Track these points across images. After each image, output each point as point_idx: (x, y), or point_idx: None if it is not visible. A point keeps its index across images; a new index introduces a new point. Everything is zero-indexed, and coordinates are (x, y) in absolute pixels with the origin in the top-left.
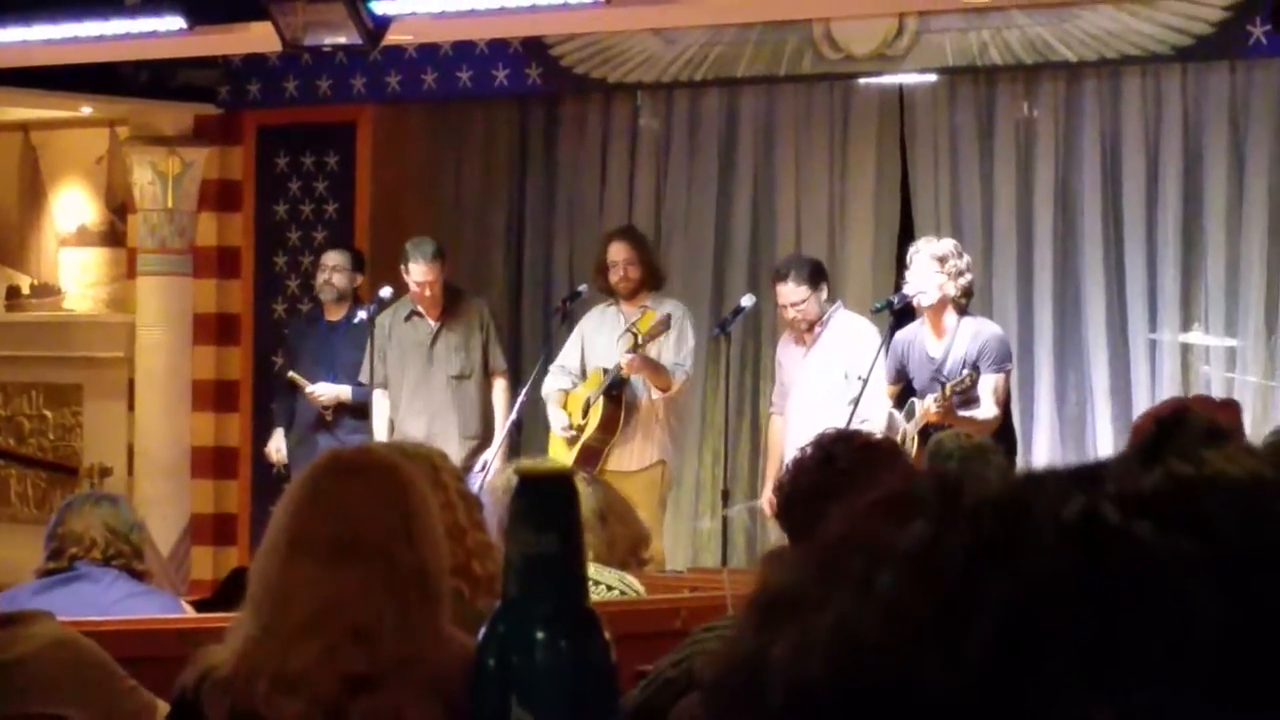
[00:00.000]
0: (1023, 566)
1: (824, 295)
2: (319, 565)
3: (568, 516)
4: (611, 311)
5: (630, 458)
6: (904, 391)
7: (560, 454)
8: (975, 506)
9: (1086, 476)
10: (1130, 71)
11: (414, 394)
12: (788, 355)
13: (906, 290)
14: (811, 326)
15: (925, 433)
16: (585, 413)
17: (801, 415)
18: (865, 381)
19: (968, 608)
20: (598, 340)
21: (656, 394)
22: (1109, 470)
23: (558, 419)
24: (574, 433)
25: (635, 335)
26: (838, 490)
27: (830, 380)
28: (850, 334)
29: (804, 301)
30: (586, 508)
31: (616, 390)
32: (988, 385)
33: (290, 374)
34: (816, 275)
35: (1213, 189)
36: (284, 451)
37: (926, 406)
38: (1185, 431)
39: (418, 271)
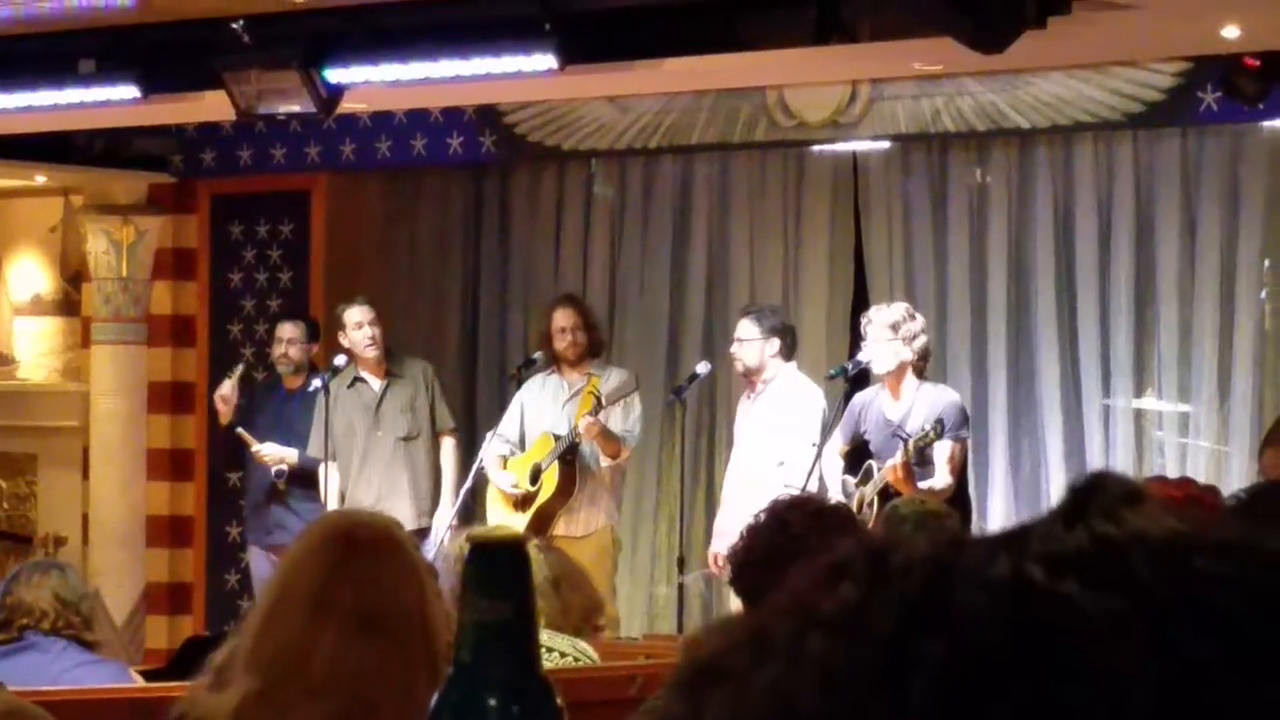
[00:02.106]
0: (953, 628)
1: (772, 351)
2: (343, 632)
3: (520, 583)
4: (553, 380)
5: (577, 524)
6: (858, 454)
7: (499, 515)
8: (902, 568)
9: (1011, 539)
10: (1082, 138)
11: (364, 459)
12: (740, 409)
13: (861, 358)
14: (749, 374)
15: (885, 495)
16: (534, 479)
17: (735, 468)
18: (819, 449)
19: (901, 669)
20: (540, 408)
21: (605, 461)
22: (1033, 532)
23: (505, 479)
24: (520, 492)
25: (597, 397)
26: (791, 556)
27: (759, 436)
28: (788, 394)
29: (749, 342)
30: (540, 575)
31: (570, 455)
32: (942, 453)
33: (239, 430)
34: (775, 330)
35: (1165, 255)
36: (236, 394)
37: (889, 465)
38: (1105, 493)
39: (354, 317)
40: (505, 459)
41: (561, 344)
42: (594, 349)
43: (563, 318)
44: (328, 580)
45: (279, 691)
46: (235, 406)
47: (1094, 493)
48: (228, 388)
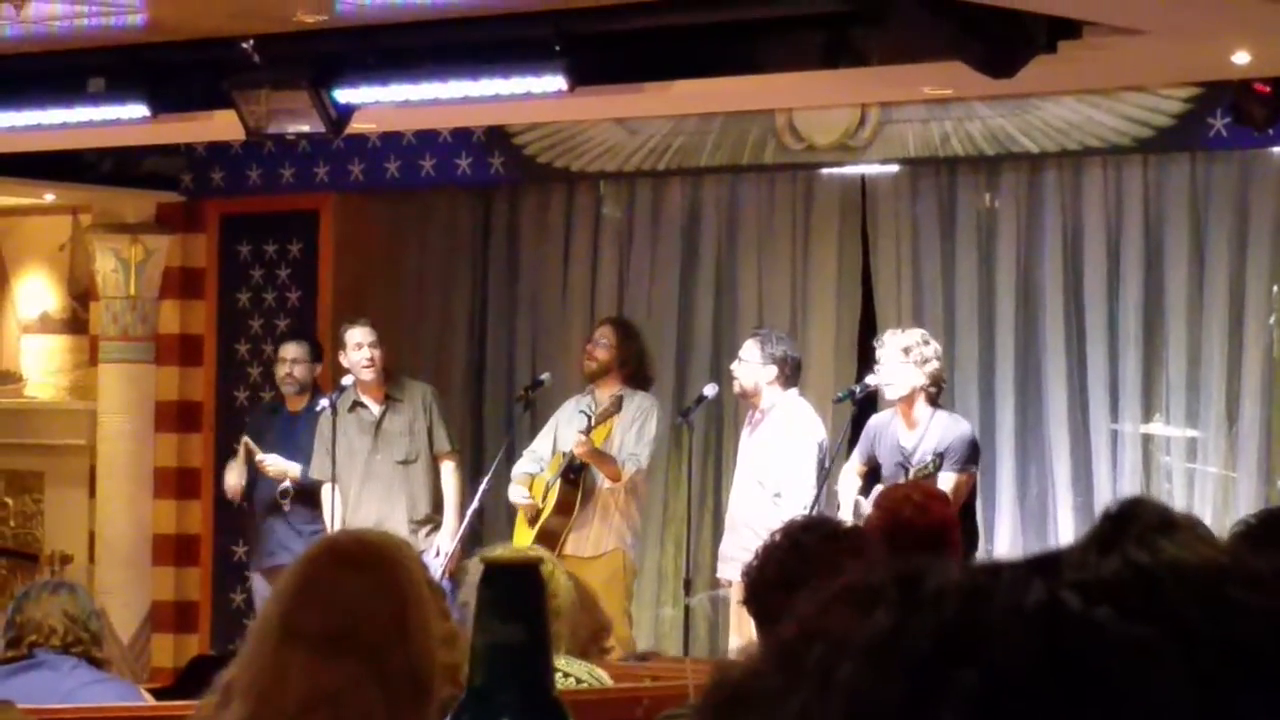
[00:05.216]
0: (988, 656)
1: (768, 378)
2: (311, 655)
3: (534, 605)
4: (587, 401)
5: (586, 543)
6: (873, 475)
7: (523, 538)
8: (935, 595)
9: (1044, 565)
10: (1091, 162)
11: (363, 481)
12: (742, 436)
13: (870, 381)
14: (745, 396)
15: None
16: (546, 495)
17: (736, 496)
18: (830, 470)
19: (935, 698)
20: (569, 426)
21: (607, 483)
22: (1066, 558)
23: (517, 491)
24: (533, 505)
25: (589, 417)
26: (805, 578)
27: (757, 467)
28: (786, 426)
29: (747, 363)
30: (567, 599)
31: (574, 474)
32: (945, 484)
33: (245, 439)
34: (775, 359)
35: (1173, 280)
36: (243, 481)
37: None
38: (1140, 520)
39: (354, 338)
40: (532, 476)
41: (586, 355)
42: (626, 375)
43: (600, 332)
44: (292, 605)
45: (261, 718)
46: (241, 489)
47: (1129, 520)
48: (234, 478)
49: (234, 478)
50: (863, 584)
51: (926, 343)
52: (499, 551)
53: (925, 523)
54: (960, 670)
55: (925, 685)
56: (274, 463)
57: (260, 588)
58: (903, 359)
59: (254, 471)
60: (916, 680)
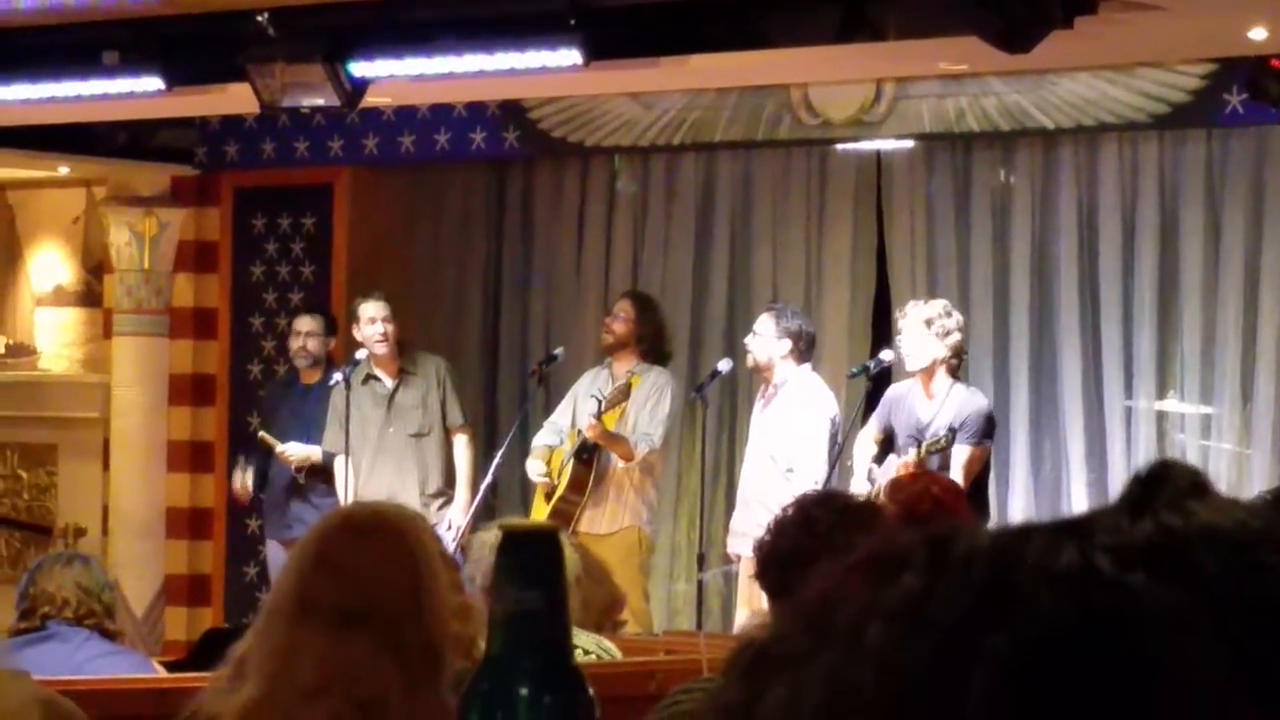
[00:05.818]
0: (1018, 619)
1: (781, 352)
2: (327, 631)
3: (552, 573)
4: (604, 374)
5: (601, 521)
6: (888, 443)
7: (540, 515)
8: (965, 558)
9: (1075, 528)
10: (1107, 139)
11: (375, 455)
12: (754, 411)
13: (886, 355)
14: (758, 370)
15: None
16: (560, 473)
17: (748, 471)
18: (843, 442)
19: (966, 661)
20: (587, 400)
21: (622, 462)
22: (1097, 522)
23: (535, 467)
24: (550, 484)
25: (599, 400)
26: (817, 552)
27: (770, 442)
28: (799, 401)
29: (761, 337)
30: (573, 572)
31: (587, 454)
32: (960, 457)
33: (261, 434)
34: (789, 333)
35: (1189, 256)
36: (249, 484)
37: (899, 463)
38: (1171, 484)
39: (368, 312)
40: (551, 449)
41: (604, 329)
42: (643, 350)
43: (618, 306)
44: (307, 580)
45: (276, 695)
46: (251, 494)
47: (1159, 483)
48: (239, 481)
49: (239, 480)
50: (891, 548)
51: (949, 314)
52: (516, 520)
53: (941, 517)
54: (991, 634)
55: (955, 648)
56: (295, 451)
57: (277, 559)
58: (924, 330)
59: (269, 455)
60: (946, 643)
